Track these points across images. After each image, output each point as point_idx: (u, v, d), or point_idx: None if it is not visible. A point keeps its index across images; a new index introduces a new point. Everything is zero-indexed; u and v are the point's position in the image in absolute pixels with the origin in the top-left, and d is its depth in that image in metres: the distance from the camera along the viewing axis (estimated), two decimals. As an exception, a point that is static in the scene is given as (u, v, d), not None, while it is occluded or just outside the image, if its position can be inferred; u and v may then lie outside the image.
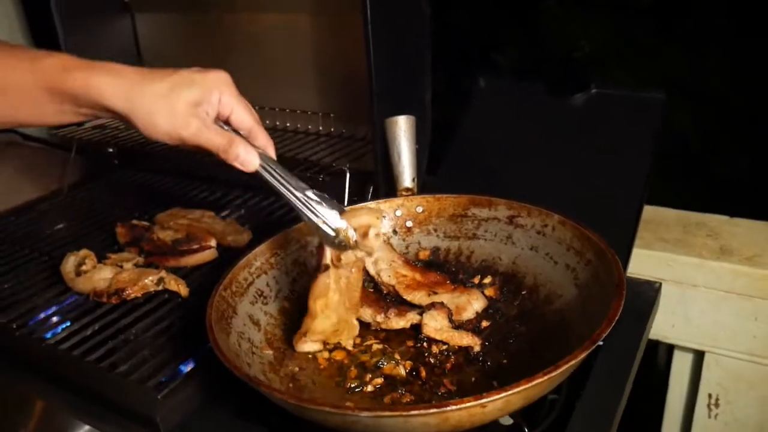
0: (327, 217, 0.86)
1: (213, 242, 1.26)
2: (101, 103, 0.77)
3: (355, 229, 0.87)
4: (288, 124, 1.59)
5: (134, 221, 1.37)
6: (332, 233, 0.86)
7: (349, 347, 0.95)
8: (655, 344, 1.32)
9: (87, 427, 0.90)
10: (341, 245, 0.88)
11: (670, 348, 1.34)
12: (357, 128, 1.47)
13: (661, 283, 1.14)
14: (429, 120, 1.37)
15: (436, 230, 1.14)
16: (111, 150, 1.76)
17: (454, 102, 1.43)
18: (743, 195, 1.49)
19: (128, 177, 1.75)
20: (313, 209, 0.85)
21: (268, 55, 1.56)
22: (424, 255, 1.13)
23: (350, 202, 1.23)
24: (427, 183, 1.29)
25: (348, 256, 0.89)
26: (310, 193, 0.85)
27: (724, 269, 1.18)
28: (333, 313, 0.91)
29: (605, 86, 1.28)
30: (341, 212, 0.87)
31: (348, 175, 1.26)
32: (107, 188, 1.69)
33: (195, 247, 1.24)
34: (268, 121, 1.62)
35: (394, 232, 1.15)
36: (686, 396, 1.37)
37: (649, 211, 1.32)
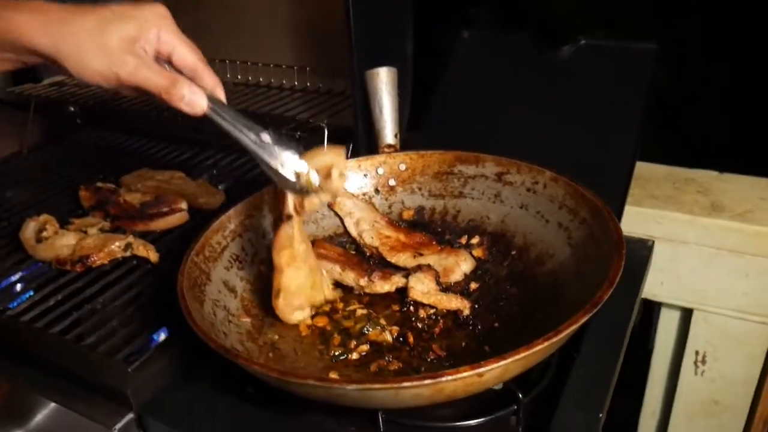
0: (285, 160, 0.78)
1: (184, 204, 1.19)
2: (25, 45, 0.70)
3: (316, 171, 0.80)
4: (261, 79, 1.51)
5: (99, 184, 1.29)
6: (292, 177, 0.79)
7: (331, 297, 0.91)
8: (642, 302, 1.30)
9: (52, 404, 0.84)
10: (303, 190, 0.81)
11: (657, 305, 1.32)
12: (334, 82, 1.40)
13: (654, 241, 1.11)
14: (410, 73, 1.30)
15: (420, 189, 1.08)
16: (72, 109, 1.65)
17: (436, 54, 1.36)
18: (727, 150, 1.45)
19: (91, 137, 1.65)
20: (269, 152, 0.77)
21: (239, 6, 1.47)
22: (408, 215, 1.08)
23: (329, 161, 1.17)
24: (408, 140, 1.23)
25: (312, 201, 0.83)
26: (265, 135, 0.77)
27: (716, 226, 1.15)
28: (302, 264, 0.86)
29: (594, 37, 1.22)
30: (300, 154, 0.79)
31: (326, 132, 1.19)
32: (69, 149, 1.59)
33: (164, 210, 1.17)
34: (239, 76, 1.53)
35: (376, 191, 1.09)
36: (672, 353, 1.35)
37: (637, 167, 1.28)
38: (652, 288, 1.23)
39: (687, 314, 1.27)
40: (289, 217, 0.83)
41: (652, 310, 1.33)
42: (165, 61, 0.76)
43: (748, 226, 1.13)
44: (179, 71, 0.76)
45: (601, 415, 0.75)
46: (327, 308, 0.92)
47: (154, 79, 0.72)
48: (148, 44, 0.73)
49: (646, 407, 1.41)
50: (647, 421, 1.42)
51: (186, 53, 0.76)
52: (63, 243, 1.07)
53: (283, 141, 0.78)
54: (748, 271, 1.15)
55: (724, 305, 1.20)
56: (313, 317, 0.90)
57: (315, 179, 0.80)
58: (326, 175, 0.81)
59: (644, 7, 1.32)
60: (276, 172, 0.78)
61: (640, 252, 1.09)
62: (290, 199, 0.83)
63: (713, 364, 1.26)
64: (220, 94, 0.78)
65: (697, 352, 1.27)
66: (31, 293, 1.01)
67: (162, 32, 0.74)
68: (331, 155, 0.82)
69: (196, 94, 0.74)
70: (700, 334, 1.25)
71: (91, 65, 0.70)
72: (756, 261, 1.14)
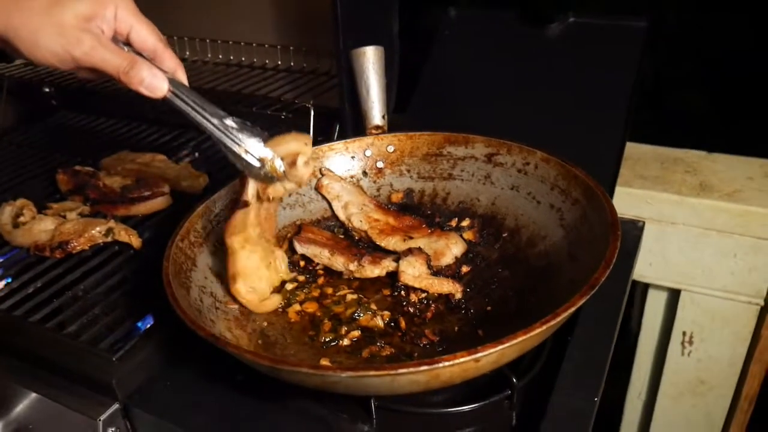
0: (250, 146, 0.76)
1: (166, 188, 1.16)
2: None
3: (282, 158, 0.79)
4: (243, 59, 1.47)
5: (77, 167, 1.25)
6: (257, 163, 0.77)
7: (287, 277, 0.91)
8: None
9: (34, 395, 0.82)
10: (267, 177, 0.79)
11: (645, 286, 1.32)
12: (319, 62, 1.36)
13: (644, 222, 1.11)
14: (397, 53, 1.27)
15: (409, 171, 1.06)
16: (47, 90, 1.61)
17: (422, 34, 1.33)
18: (715, 130, 1.45)
19: (68, 119, 1.61)
20: (233, 138, 0.75)
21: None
22: (397, 198, 1.06)
23: (316, 143, 1.14)
24: (395, 121, 1.20)
25: (276, 189, 0.81)
26: (229, 121, 0.75)
27: (704, 206, 1.14)
28: (256, 247, 0.85)
29: (583, 15, 1.20)
30: (265, 140, 0.77)
31: (312, 113, 1.16)
32: (45, 132, 1.55)
33: (146, 193, 1.14)
34: (220, 56, 1.49)
35: (364, 173, 1.07)
36: (659, 334, 1.36)
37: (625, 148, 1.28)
38: (640, 269, 1.23)
39: (674, 295, 1.27)
40: (246, 204, 0.81)
41: (637, 291, 1.33)
42: (123, 42, 0.73)
43: (736, 206, 1.13)
44: (139, 53, 0.73)
45: (596, 399, 0.75)
46: (316, 293, 0.90)
47: (111, 60, 0.69)
48: (105, 23, 0.70)
49: (632, 388, 1.42)
50: (633, 402, 1.43)
51: (145, 33, 0.73)
52: (41, 228, 1.04)
53: (247, 127, 0.76)
54: (736, 251, 1.15)
55: (711, 285, 1.20)
56: (301, 303, 0.88)
57: (279, 166, 0.79)
58: (291, 162, 0.79)
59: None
60: (240, 158, 0.76)
61: (632, 233, 1.09)
62: (251, 186, 0.81)
63: (700, 344, 1.27)
64: (182, 77, 0.75)
65: (684, 333, 1.27)
66: (9, 280, 0.98)
67: (119, 10, 0.70)
68: (296, 143, 0.80)
69: (156, 76, 0.71)
70: (688, 315, 1.25)
71: (44, 45, 0.67)
72: (744, 241, 1.14)
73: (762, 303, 1.17)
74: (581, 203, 0.86)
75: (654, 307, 1.33)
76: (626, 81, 1.12)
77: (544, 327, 0.62)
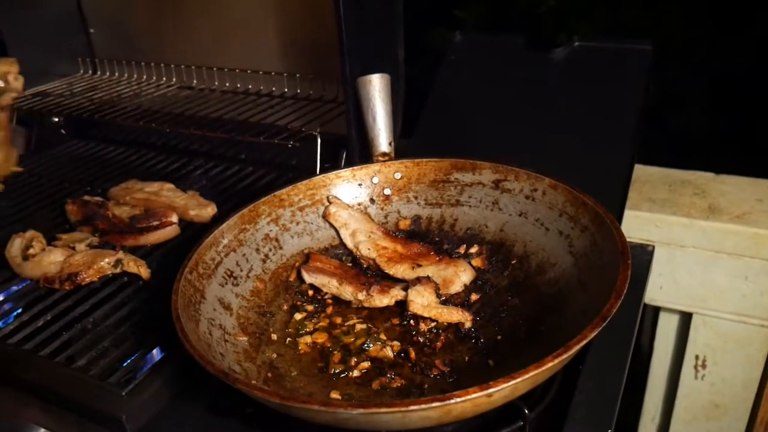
0: None
1: (174, 217, 1.16)
2: None
3: None
4: (250, 86, 1.48)
5: (86, 197, 1.26)
6: None
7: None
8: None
9: (42, 430, 0.81)
10: None
11: (656, 310, 1.31)
12: (326, 89, 1.37)
13: (654, 246, 1.10)
14: (403, 79, 1.28)
15: (416, 197, 1.06)
16: (56, 119, 1.62)
17: (428, 60, 1.34)
18: (723, 151, 1.45)
19: (77, 148, 1.62)
20: None
21: (225, 11, 1.44)
22: (404, 225, 1.06)
23: (323, 170, 1.14)
24: (402, 146, 1.21)
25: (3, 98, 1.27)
26: None
27: (714, 228, 1.14)
28: None
29: (588, 39, 1.21)
30: None
31: (319, 140, 1.16)
32: (54, 161, 1.55)
33: (155, 223, 1.14)
34: (227, 84, 1.50)
35: (372, 200, 1.07)
36: (672, 358, 1.34)
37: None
38: (650, 292, 1.22)
39: (686, 318, 1.26)
40: None
41: (648, 314, 1.32)
42: None
43: (746, 228, 1.12)
44: None
45: (609, 430, 0.74)
46: (325, 323, 0.90)
47: None
48: None
49: (645, 413, 1.40)
50: (647, 427, 1.41)
51: None
52: (50, 260, 1.04)
53: None
54: (747, 273, 1.14)
55: (723, 308, 1.19)
56: (311, 334, 0.87)
57: None
58: (5, 80, 1.25)
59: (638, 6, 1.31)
60: None
61: (642, 258, 1.08)
62: None
63: (713, 367, 1.25)
64: None
65: (697, 356, 1.26)
66: (19, 311, 0.98)
67: None
68: (3, 66, 1.28)
69: None
70: (700, 338, 1.24)
71: None
72: (755, 263, 1.13)
73: (775, 326, 1.16)
74: (590, 230, 0.86)
75: (666, 330, 1.32)
76: (632, 103, 1.12)
77: (556, 361, 0.61)
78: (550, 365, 0.61)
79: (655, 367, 1.37)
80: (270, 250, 0.98)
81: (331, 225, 1.04)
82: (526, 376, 0.60)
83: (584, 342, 0.63)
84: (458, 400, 0.58)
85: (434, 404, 0.58)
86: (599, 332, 0.87)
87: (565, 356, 0.61)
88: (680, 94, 1.40)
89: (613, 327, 0.88)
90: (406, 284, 0.92)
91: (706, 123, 1.41)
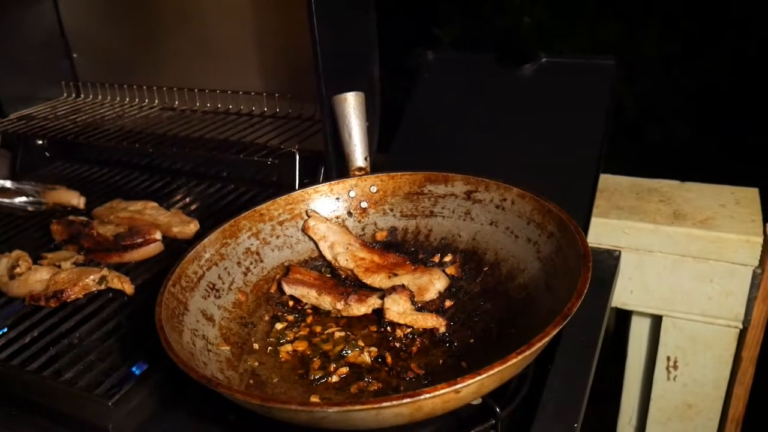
0: None
1: (158, 235, 1.19)
2: None
3: None
4: (230, 107, 1.52)
5: (71, 217, 1.29)
6: None
7: None
8: (612, 311, 1.33)
9: (31, 442, 0.84)
10: None
11: (628, 313, 1.35)
12: (303, 107, 1.41)
13: (620, 252, 1.14)
14: (378, 96, 1.33)
15: (392, 210, 1.10)
16: (41, 142, 1.65)
17: (402, 77, 1.39)
18: (682, 159, 1.50)
19: (61, 169, 1.64)
20: None
21: (205, 34, 1.48)
22: (381, 236, 1.10)
23: (302, 185, 1.18)
24: (379, 161, 1.25)
25: None
26: None
27: (679, 234, 1.19)
28: None
29: (555, 55, 1.26)
30: None
31: (297, 157, 1.20)
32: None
33: (139, 240, 1.17)
34: (208, 104, 1.54)
35: (349, 213, 1.11)
36: (645, 360, 1.39)
37: (602, 179, 1.32)
38: (621, 297, 1.26)
39: (657, 321, 1.30)
40: None
41: (625, 318, 1.36)
42: None
43: (710, 233, 1.17)
44: None
45: (576, 425, 0.77)
46: (305, 332, 0.93)
47: None
48: None
49: (622, 415, 1.44)
50: (624, 429, 1.45)
51: None
52: (36, 279, 1.06)
53: None
54: (712, 276, 1.19)
55: (691, 311, 1.24)
56: (292, 342, 0.91)
57: None
58: None
59: (594, 26, 1.37)
60: None
61: (608, 262, 1.12)
62: None
63: (684, 368, 1.30)
64: None
65: (668, 358, 1.30)
66: (5, 330, 1.00)
67: None
68: None
69: None
70: (670, 340, 1.28)
71: None
72: (719, 266, 1.18)
73: (740, 326, 1.21)
74: (556, 236, 0.90)
75: (638, 334, 1.36)
76: (598, 116, 1.17)
77: (520, 357, 0.65)
78: (514, 361, 0.64)
79: (629, 370, 1.41)
80: (251, 263, 1.02)
81: (310, 238, 1.08)
82: (491, 372, 0.63)
83: (546, 339, 0.67)
84: (428, 396, 0.62)
85: (405, 400, 0.62)
86: (568, 333, 0.92)
87: (528, 353, 0.65)
88: (645, 105, 1.45)
89: (581, 328, 0.93)
90: (383, 293, 0.95)
91: (683, 135, 1.47)
